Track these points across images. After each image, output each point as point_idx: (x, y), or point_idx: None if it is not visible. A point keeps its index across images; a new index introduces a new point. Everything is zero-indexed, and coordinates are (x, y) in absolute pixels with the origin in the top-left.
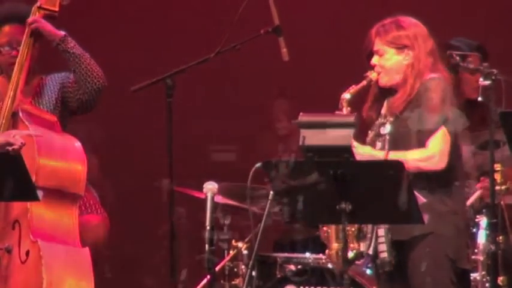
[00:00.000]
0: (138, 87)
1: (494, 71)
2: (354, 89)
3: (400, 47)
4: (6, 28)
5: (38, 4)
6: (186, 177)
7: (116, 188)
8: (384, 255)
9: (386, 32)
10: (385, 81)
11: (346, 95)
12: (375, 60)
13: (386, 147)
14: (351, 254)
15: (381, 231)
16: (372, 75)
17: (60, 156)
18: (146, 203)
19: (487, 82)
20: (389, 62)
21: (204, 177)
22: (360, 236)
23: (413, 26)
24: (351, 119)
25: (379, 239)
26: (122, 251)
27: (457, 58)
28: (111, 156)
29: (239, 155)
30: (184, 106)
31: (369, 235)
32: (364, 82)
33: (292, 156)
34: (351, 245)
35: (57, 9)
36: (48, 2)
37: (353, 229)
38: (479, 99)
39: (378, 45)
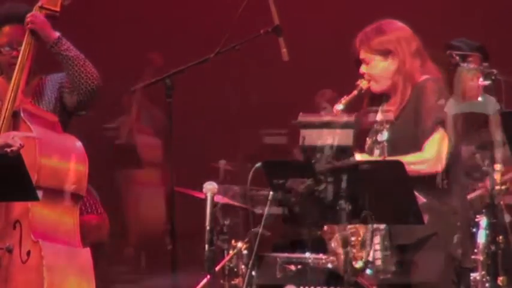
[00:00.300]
0: (138, 87)
1: (494, 71)
2: (345, 99)
3: (385, 53)
4: (7, 28)
5: (39, 4)
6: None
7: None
8: (379, 262)
9: (369, 40)
10: (376, 88)
11: (339, 106)
12: (363, 68)
13: (385, 154)
14: (359, 263)
15: (377, 239)
16: (362, 83)
17: (61, 157)
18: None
19: (487, 82)
20: (376, 69)
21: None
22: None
23: (394, 29)
24: (351, 119)
25: (375, 246)
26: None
27: (457, 58)
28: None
29: (290, 138)
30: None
31: (368, 241)
32: (355, 91)
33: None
34: (359, 254)
35: (58, 9)
36: (49, 2)
37: (359, 238)
38: (479, 99)
39: (363, 53)
